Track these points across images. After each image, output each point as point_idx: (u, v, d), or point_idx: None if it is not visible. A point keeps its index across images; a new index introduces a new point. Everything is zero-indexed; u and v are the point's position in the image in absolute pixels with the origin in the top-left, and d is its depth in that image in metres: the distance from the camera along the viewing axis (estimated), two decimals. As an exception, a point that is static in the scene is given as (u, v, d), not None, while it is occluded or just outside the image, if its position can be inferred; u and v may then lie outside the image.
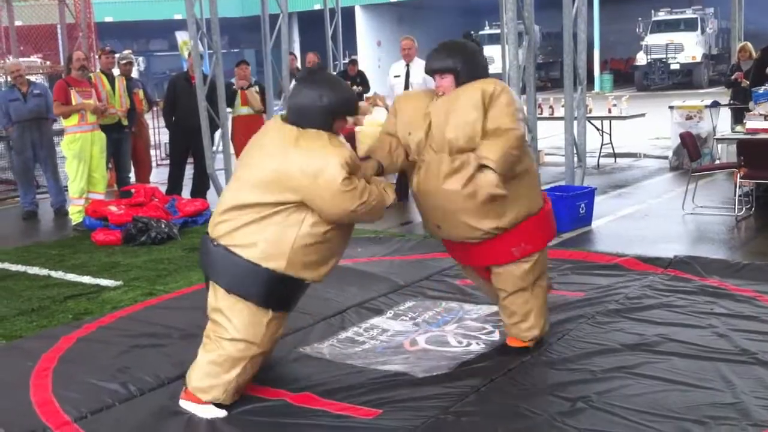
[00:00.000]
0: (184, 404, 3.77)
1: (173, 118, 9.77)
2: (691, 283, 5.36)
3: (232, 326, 3.65)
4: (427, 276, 5.78)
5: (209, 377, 3.70)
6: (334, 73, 12.41)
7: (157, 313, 5.33)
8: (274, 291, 3.64)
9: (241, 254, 3.60)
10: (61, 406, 3.83)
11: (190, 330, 4.82)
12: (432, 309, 5.08)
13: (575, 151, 8.11)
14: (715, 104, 10.84)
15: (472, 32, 4.37)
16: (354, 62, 13.11)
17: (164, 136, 11.73)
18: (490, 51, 27.89)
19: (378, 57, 30.53)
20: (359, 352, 4.41)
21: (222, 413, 3.70)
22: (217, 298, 3.70)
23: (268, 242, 3.58)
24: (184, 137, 9.61)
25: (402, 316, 4.99)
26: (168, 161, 10.73)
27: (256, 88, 10.17)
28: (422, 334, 4.62)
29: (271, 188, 3.56)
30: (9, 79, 9.25)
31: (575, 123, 8.13)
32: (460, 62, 3.99)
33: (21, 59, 11.92)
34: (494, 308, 4.96)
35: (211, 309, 3.75)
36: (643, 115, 12.20)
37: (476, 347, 4.38)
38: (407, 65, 9.19)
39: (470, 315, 4.94)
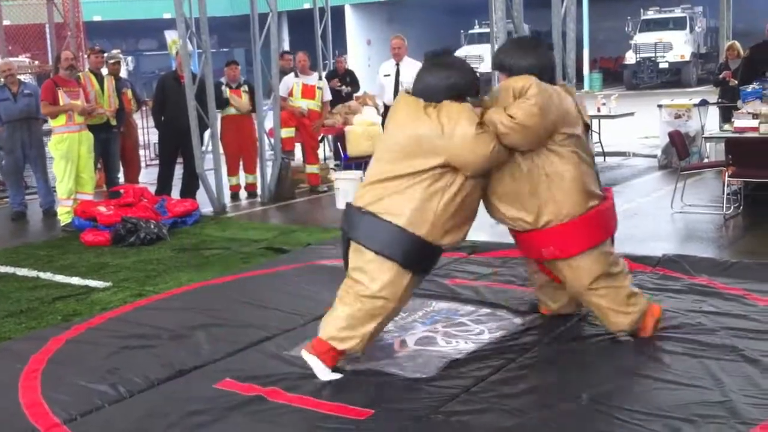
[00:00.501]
0: (307, 357, 4.07)
1: (162, 118, 9.75)
2: (679, 281, 5.37)
3: (375, 285, 3.98)
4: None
5: (347, 329, 4.01)
6: (324, 72, 12.40)
7: (146, 314, 5.32)
8: (417, 255, 4.00)
9: (390, 220, 3.95)
10: (51, 408, 3.81)
11: (180, 331, 4.84)
12: (421, 309, 5.07)
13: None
14: (704, 103, 10.88)
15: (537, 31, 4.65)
16: (341, 60, 13.10)
17: (153, 136, 11.71)
18: (480, 50, 28.06)
19: (368, 56, 30.50)
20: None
21: (338, 376, 4.01)
22: (362, 259, 4.02)
23: (413, 210, 3.93)
24: (173, 137, 9.59)
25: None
26: (157, 161, 10.70)
27: (245, 87, 10.15)
28: (412, 335, 4.62)
29: (412, 156, 3.95)
30: (0, 79, 9.20)
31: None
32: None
33: (9, 59, 11.85)
34: (484, 309, 4.98)
35: (352, 269, 4.07)
36: (632, 113, 12.25)
37: (465, 347, 4.38)
38: (397, 64, 9.21)
39: (459, 315, 4.94)
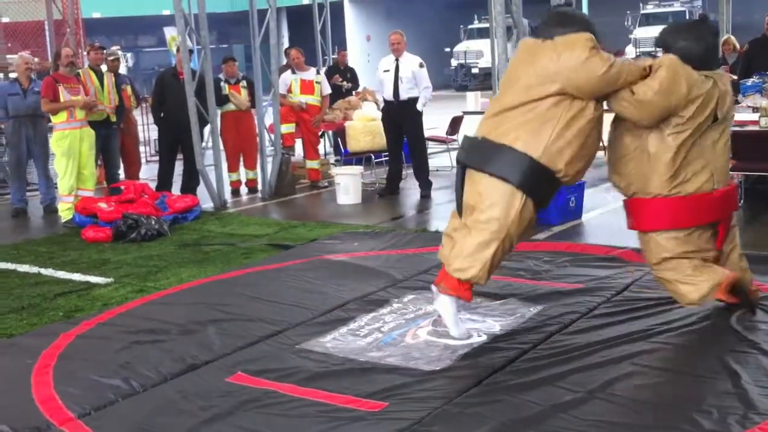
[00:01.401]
0: (440, 302, 4.39)
1: (162, 115, 9.75)
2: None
3: (488, 207, 4.12)
4: (426, 269, 5.78)
5: (469, 257, 4.16)
6: (324, 68, 12.41)
7: (155, 309, 5.33)
8: (531, 176, 4.10)
9: (504, 143, 4.11)
10: (64, 402, 3.82)
11: (189, 326, 4.86)
12: (432, 302, 5.08)
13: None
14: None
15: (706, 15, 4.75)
16: (344, 54, 13.11)
17: (153, 133, 11.72)
18: (480, 45, 28.07)
19: (367, 51, 30.50)
20: (361, 345, 4.42)
21: (470, 334, 4.34)
22: (478, 184, 4.18)
23: (529, 134, 4.08)
24: (172, 133, 9.60)
25: (402, 310, 5.00)
26: (157, 158, 10.71)
27: (244, 83, 10.16)
28: (423, 327, 4.64)
29: (531, 87, 4.11)
30: (10, 74, 9.22)
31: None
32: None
33: (8, 56, 11.86)
34: (495, 302, 5.00)
35: (468, 198, 4.23)
36: (632, 107, 12.24)
37: (477, 339, 4.40)
38: (396, 60, 9.20)
39: (471, 307, 4.95)
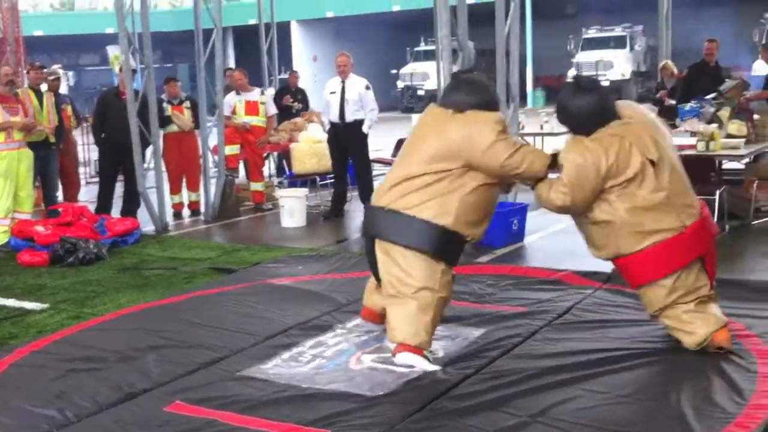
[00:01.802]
0: (401, 357, 4.29)
1: (103, 135, 9.58)
2: (629, 296, 5.43)
3: (413, 279, 4.23)
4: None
5: (412, 324, 4.24)
6: (272, 88, 12.35)
7: (91, 336, 5.20)
8: (445, 244, 4.26)
9: (415, 215, 4.21)
10: (-6, 434, 3.69)
11: (127, 353, 4.75)
12: (376, 327, 5.05)
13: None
14: (644, 121, 11.09)
15: None
16: (295, 75, 13.06)
17: (94, 153, 11.51)
18: (426, 67, 28.27)
19: (314, 72, 30.50)
20: (304, 372, 4.36)
21: (437, 368, 4.24)
22: (394, 257, 4.28)
23: (436, 203, 4.21)
24: (114, 154, 9.43)
25: (346, 335, 4.95)
26: (97, 179, 10.51)
27: (187, 103, 10.04)
28: (368, 353, 4.59)
29: (437, 158, 4.24)
30: None
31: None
32: None
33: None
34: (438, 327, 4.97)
35: (386, 269, 4.32)
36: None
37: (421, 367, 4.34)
38: (343, 81, 9.20)
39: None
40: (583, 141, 4.27)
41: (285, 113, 11.55)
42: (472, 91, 4.40)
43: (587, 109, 4.30)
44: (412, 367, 4.27)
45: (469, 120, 4.27)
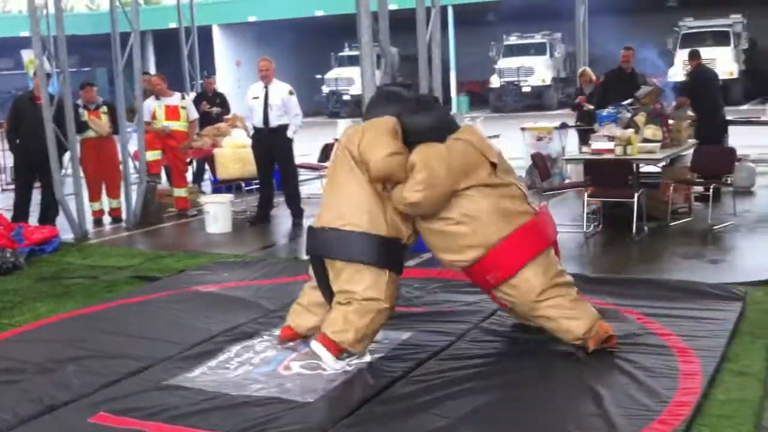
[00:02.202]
0: (315, 345, 4.40)
1: (17, 141, 9.28)
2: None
3: (361, 290, 4.36)
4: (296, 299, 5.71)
5: (345, 323, 4.36)
6: (192, 93, 12.17)
7: (9, 347, 5.05)
8: (386, 252, 4.42)
9: (353, 230, 4.37)
10: None
11: (47, 364, 4.62)
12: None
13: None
14: (563, 126, 11.36)
15: None
16: (210, 80, 12.88)
17: (9, 160, 11.13)
18: (351, 72, 28.30)
19: (237, 77, 30.20)
20: (233, 379, 4.32)
21: (345, 366, 4.35)
22: (341, 272, 4.41)
23: (368, 214, 4.40)
24: (29, 161, 9.14)
25: (274, 341, 4.90)
26: (13, 186, 10.17)
27: (104, 108, 9.80)
28: (296, 359, 4.56)
29: (353, 167, 4.44)
30: None
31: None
32: None
33: None
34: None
35: (338, 288, 4.44)
36: (497, 136, 12.60)
37: (349, 368, 4.38)
38: (266, 86, 9.13)
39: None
40: (432, 144, 4.46)
41: (204, 119, 11.38)
42: (388, 100, 4.65)
43: (430, 124, 4.53)
44: (319, 359, 4.39)
45: (365, 126, 4.56)
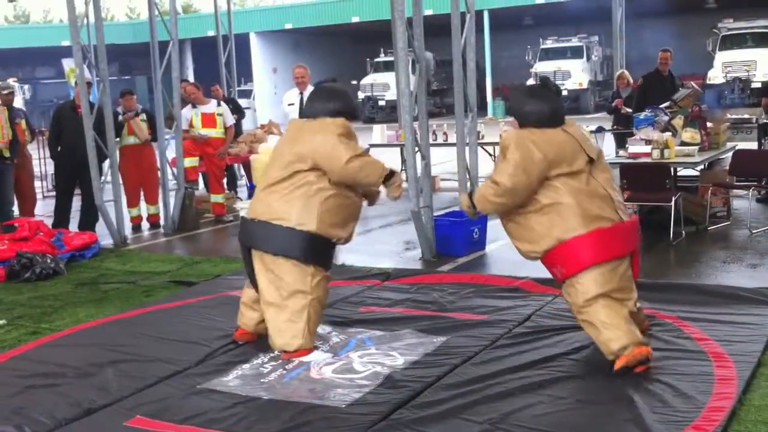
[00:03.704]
0: (298, 360, 4.60)
1: (59, 149, 9.46)
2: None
3: (285, 283, 4.56)
4: (332, 303, 5.74)
5: (287, 331, 4.59)
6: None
7: (49, 351, 5.13)
8: (313, 248, 4.57)
9: (280, 224, 4.53)
10: (-50, 451, 3.62)
11: (86, 368, 4.69)
12: (336, 336, 5.06)
13: (468, 177, 8.27)
14: (600, 130, 11.27)
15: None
16: (217, 88, 12.90)
17: (50, 167, 11.34)
18: (386, 78, 28.39)
19: (274, 84, 30.44)
20: (266, 383, 4.35)
21: (327, 356, 4.63)
22: (267, 264, 4.61)
23: (299, 209, 4.54)
24: (70, 168, 9.32)
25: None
26: (54, 193, 10.36)
27: (143, 116, 9.95)
28: (328, 363, 4.59)
29: (291, 162, 4.59)
30: None
31: (467, 149, 8.29)
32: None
33: None
34: (398, 335, 4.99)
35: (264, 279, 4.64)
36: (533, 140, 12.55)
37: (383, 372, 4.38)
38: (301, 93, 9.19)
39: (374, 342, 4.94)
40: (531, 129, 4.39)
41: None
42: (327, 99, 4.77)
43: (552, 108, 4.45)
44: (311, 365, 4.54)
45: (316, 126, 4.65)
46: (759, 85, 20.23)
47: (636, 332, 4.28)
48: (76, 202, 9.64)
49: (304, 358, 4.60)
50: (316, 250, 4.61)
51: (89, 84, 9.47)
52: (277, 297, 4.62)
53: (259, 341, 4.99)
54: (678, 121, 8.61)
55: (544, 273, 6.26)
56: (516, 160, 4.27)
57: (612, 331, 4.22)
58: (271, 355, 4.78)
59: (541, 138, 4.33)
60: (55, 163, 9.70)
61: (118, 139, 9.53)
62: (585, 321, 4.36)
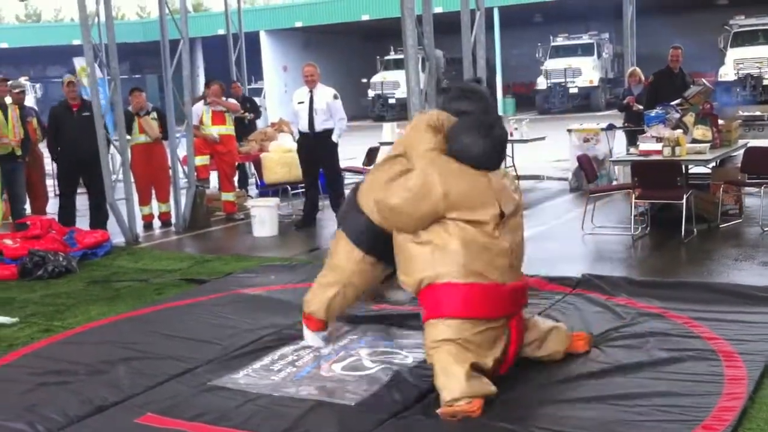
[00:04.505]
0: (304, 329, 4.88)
1: (59, 149, 9.50)
2: (599, 301, 5.50)
3: (333, 253, 4.68)
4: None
5: (313, 292, 4.76)
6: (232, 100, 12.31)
7: (62, 349, 5.16)
8: (368, 235, 4.46)
9: (361, 205, 4.47)
10: (-37, 448, 3.65)
11: (97, 366, 4.72)
12: (347, 335, 5.07)
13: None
14: (611, 127, 11.24)
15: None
16: (237, 84, 12.94)
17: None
18: (396, 76, 28.36)
19: (284, 82, 30.45)
20: (275, 381, 4.36)
21: (321, 344, 4.82)
22: (335, 237, 4.72)
23: (377, 194, 4.37)
24: (71, 167, 9.36)
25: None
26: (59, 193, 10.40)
27: (154, 114, 9.98)
28: (338, 361, 4.61)
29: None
30: None
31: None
32: None
33: None
34: (407, 332, 4.99)
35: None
36: (543, 138, 12.56)
37: (391, 371, 4.39)
38: (311, 91, 9.21)
39: (384, 340, 4.95)
40: (449, 160, 4.20)
41: (239, 125, 11.50)
42: (459, 97, 4.49)
43: (484, 150, 4.20)
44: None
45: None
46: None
47: (473, 385, 3.88)
48: (82, 202, 9.68)
49: (307, 334, 4.84)
50: (371, 238, 4.45)
51: (72, 83, 9.47)
52: (326, 263, 4.75)
53: (265, 339, 5.02)
54: (689, 119, 8.58)
55: (555, 271, 6.32)
56: (415, 185, 4.13)
57: (449, 379, 3.91)
58: (281, 353, 4.80)
59: (455, 174, 4.14)
60: (57, 164, 9.74)
61: (129, 137, 9.58)
62: (430, 363, 4.06)
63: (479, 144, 4.18)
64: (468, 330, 4.00)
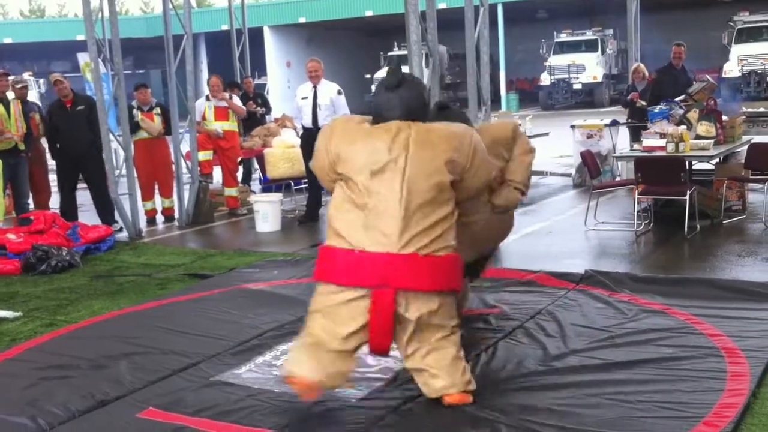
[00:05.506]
0: None
1: (57, 145, 9.52)
2: (602, 297, 5.50)
3: None
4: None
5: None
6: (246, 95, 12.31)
7: (64, 343, 5.17)
8: None
9: None
10: (-35, 442, 3.66)
11: (99, 360, 4.73)
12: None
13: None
14: (614, 123, 11.22)
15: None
16: (249, 80, 12.95)
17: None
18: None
19: (288, 78, 30.45)
20: (278, 376, 4.33)
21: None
22: None
23: None
24: (69, 162, 9.38)
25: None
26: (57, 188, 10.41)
27: (157, 110, 9.99)
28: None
29: None
30: None
31: (481, 142, 8.26)
32: None
33: None
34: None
35: None
36: (546, 134, 12.54)
37: (394, 367, 4.37)
38: (314, 87, 9.20)
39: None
40: (353, 117, 4.32)
41: (250, 119, 11.51)
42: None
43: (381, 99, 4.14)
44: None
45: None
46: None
47: (312, 366, 3.76)
48: (84, 197, 9.69)
49: None
50: None
51: (59, 81, 9.49)
52: None
53: (267, 335, 5.02)
54: (693, 115, 8.57)
55: (558, 267, 6.32)
56: (317, 144, 4.06)
57: (292, 352, 3.92)
58: (283, 348, 4.80)
59: (349, 129, 3.99)
60: (56, 160, 9.76)
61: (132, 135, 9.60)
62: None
63: (380, 96, 4.12)
64: (322, 299, 3.83)
